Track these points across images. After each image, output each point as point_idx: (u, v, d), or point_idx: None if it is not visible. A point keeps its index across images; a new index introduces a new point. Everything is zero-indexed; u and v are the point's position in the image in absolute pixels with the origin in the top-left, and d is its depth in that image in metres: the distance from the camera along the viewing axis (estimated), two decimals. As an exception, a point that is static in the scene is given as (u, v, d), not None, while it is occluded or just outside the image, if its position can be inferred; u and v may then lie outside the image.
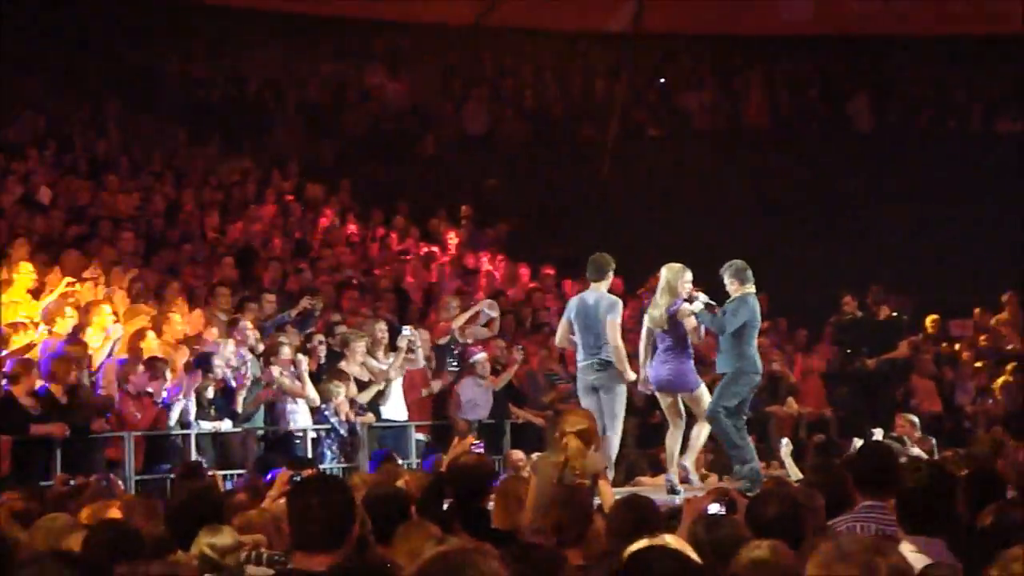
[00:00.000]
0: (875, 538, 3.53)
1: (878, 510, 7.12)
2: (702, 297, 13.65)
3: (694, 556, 5.57)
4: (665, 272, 13.65)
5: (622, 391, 13.55)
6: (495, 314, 18.65)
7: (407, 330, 16.62)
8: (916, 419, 16.36)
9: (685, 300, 13.47)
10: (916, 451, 14.98)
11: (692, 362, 13.77)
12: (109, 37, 26.55)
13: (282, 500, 8.43)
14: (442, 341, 17.61)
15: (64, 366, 13.80)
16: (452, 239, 23.60)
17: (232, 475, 14.16)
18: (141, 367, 14.47)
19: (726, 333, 13.64)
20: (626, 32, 30.26)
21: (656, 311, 13.49)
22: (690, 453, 13.77)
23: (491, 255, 23.21)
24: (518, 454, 15.33)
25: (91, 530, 6.65)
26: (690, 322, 13.42)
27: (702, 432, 13.76)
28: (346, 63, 29.55)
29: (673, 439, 13.68)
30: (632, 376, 13.61)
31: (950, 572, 5.47)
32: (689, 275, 13.63)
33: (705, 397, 13.68)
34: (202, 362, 14.97)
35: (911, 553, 5.80)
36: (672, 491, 13.23)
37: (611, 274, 13.80)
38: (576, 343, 13.70)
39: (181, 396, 14.48)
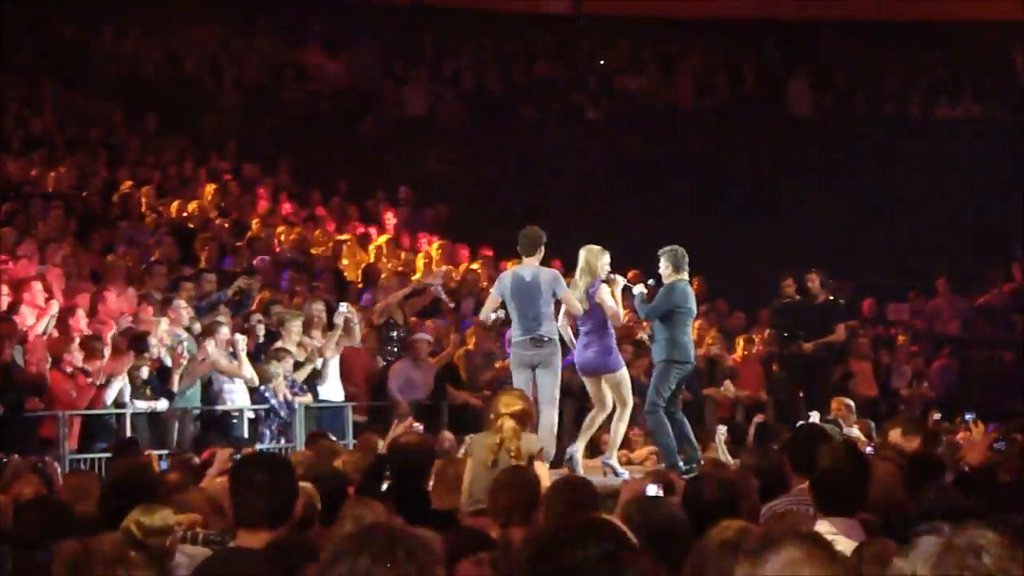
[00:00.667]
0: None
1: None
2: (620, 280, 13.62)
3: (632, 540, 5.55)
4: (584, 253, 13.51)
5: (558, 369, 13.28)
6: (439, 283, 18.67)
7: (343, 307, 16.55)
8: (851, 403, 16.43)
9: (603, 282, 13.40)
10: (855, 433, 15.05)
11: (614, 343, 13.60)
12: (43, 13, 26.28)
13: (220, 480, 8.39)
14: (379, 321, 17.57)
15: (-6, 343, 13.68)
16: (390, 219, 23.54)
17: (167, 455, 14.05)
18: (75, 345, 14.34)
19: (654, 320, 13.75)
20: (566, 14, 30.26)
21: (575, 292, 13.36)
22: (582, 437, 13.67)
23: (429, 237, 23.15)
24: (448, 435, 15.30)
25: (21, 506, 6.58)
26: (609, 306, 13.34)
27: (597, 417, 13.61)
28: (283, 41, 29.37)
29: (614, 421, 13.51)
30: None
31: (884, 548, 5.48)
32: (607, 257, 13.51)
33: (626, 381, 13.55)
34: (136, 341, 14.85)
35: (829, 534, 5.82)
36: (615, 473, 13.21)
37: (543, 248, 13.41)
38: (512, 319, 13.31)
39: (116, 376, 14.37)
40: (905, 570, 3.14)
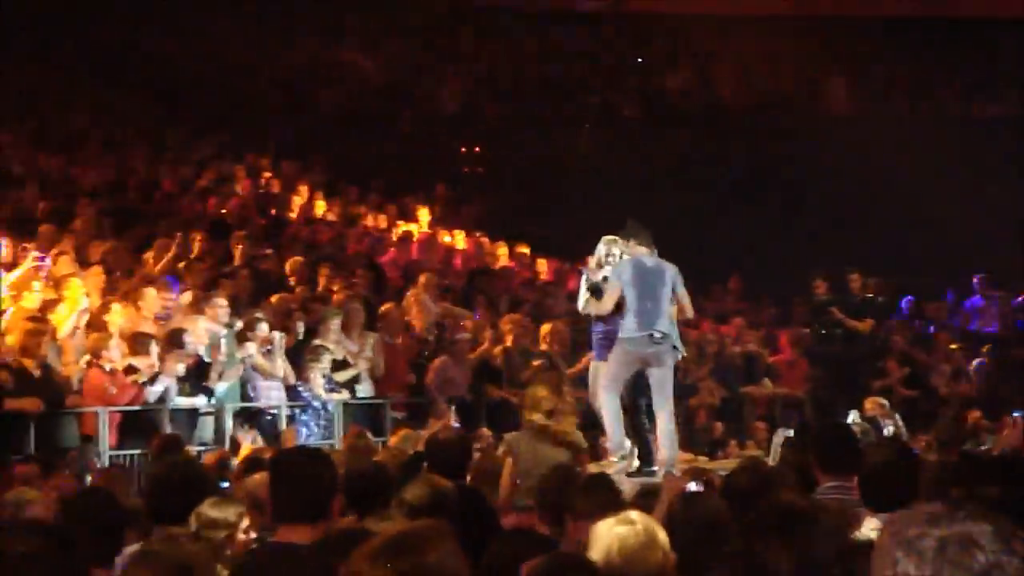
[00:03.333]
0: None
1: (841, 490, 7.13)
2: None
3: (662, 535, 5.55)
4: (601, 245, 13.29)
5: (672, 367, 12.67)
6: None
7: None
8: (886, 402, 16.37)
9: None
10: (891, 431, 15.00)
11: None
12: (82, 12, 26.40)
13: (258, 476, 8.40)
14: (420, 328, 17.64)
15: (35, 340, 13.70)
16: (424, 215, 23.56)
17: (204, 451, 14.10)
18: (114, 342, 14.37)
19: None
20: (603, 12, 30.23)
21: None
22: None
23: (466, 233, 23.18)
24: (486, 432, 15.30)
25: (66, 501, 6.58)
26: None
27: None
28: (320, 40, 29.44)
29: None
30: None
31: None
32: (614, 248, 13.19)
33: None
34: (173, 338, 14.89)
35: (875, 531, 5.81)
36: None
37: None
38: (626, 310, 12.50)
39: (164, 374, 14.40)
40: (910, 571, 3.12)
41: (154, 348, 14.51)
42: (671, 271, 12.62)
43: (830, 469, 7.51)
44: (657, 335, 12.33)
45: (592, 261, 13.32)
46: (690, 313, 13.01)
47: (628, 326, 12.43)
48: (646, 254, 12.68)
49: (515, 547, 5.66)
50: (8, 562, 3.79)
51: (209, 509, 6.63)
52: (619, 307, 12.64)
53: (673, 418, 12.56)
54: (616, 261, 12.93)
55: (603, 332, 12.99)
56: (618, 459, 12.24)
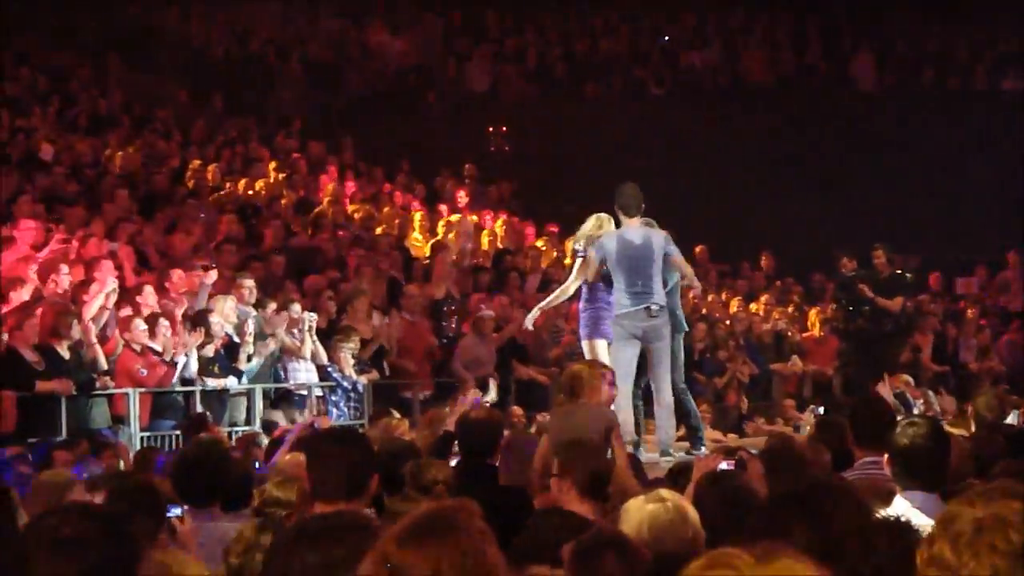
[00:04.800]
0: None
1: (876, 465, 7.12)
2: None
3: (693, 514, 5.58)
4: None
5: (669, 339, 12.46)
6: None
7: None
8: (911, 379, 16.35)
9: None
10: (920, 407, 14.98)
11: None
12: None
13: (291, 455, 8.45)
14: (438, 296, 17.64)
15: (66, 322, 13.76)
16: (462, 198, 23.56)
17: (235, 432, 14.17)
18: (140, 322, 14.41)
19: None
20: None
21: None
22: None
23: (494, 214, 23.17)
24: (518, 410, 15.32)
25: (114, 486, 6.62)
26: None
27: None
28: (347, 20, 29.45)
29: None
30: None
31: None
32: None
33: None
34: (198, 319, 14.94)
35: (907, 508, 5.82)
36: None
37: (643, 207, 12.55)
38: (615, 287, 12.30)
39: (182, 353, 14.45)
40: (945, 554, 3.13)
41: (165, 329, 14.47)
42: (659, 241, 12.32)
43: (866, 445, 7.50)
44: (654, 308, 12.17)
45: (581, 238, 13.11)
46: (688, 272, 12.72)
47: (622, 303, 12.26)
48: (634, 225, 12.40)
49: (551, 526, 5.66)
50: (61, 547, 3.80)
51: (274, 489, 6.74)
52: (608, 284, 12.49)
53: (671, 392, 12.37)
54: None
55: (588, 311, 12.84)
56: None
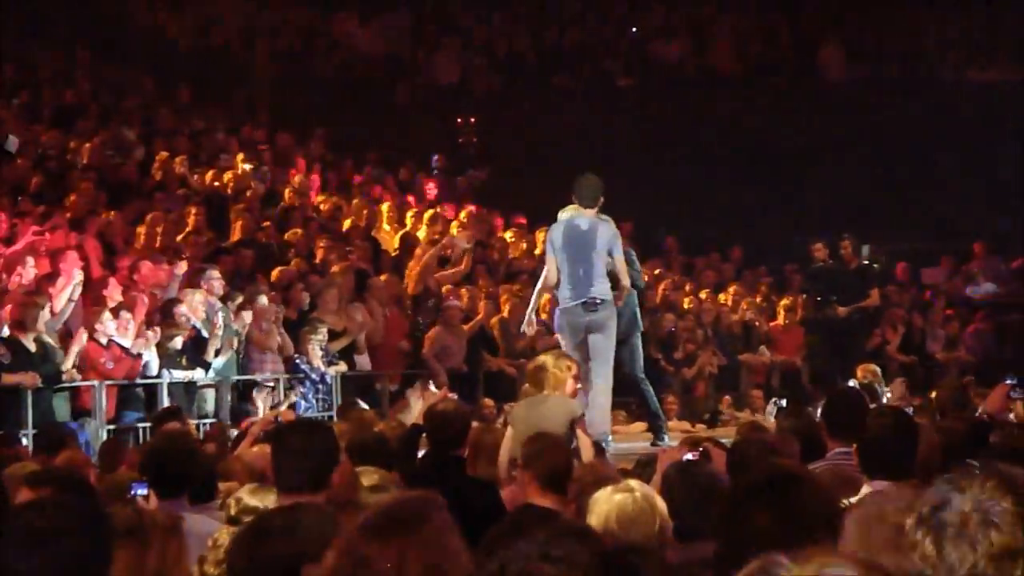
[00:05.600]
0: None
1: (847, 456, 7.15)
2: None
3: (661, 504, 5.60)
4: None
5: (614, 333, 12.23)
6: (467, 245, 18.51)
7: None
8: (878, 369, 16.38)
9: None
10: (889, 397, 15.01)
11: None
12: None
13: (257, 448, 8.43)
14: (416, 290, 17.59)
15: (32, 314, 13.70)
16: (431, 189, 23.56)
17: (203, 424, 14.14)
18: (106, 315, 14.35)
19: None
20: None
21: None
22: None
23: (458, 205, 23.15)
24: (488, 402, 15.30)
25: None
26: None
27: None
28: (316, 10, 29.39)
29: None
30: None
31: None
32: None
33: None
34: (166, 311, 14.89)
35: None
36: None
37: (601, 199, 12.32)
38: (559, 279, 12.11)
39: (144, 348, 14.41)
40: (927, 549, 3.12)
41: (129, 322, 14.42)
42: (606, 232, 12.07)
43: (838, 435, 7.54)
44: (592, 300, 11.90)
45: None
46: (625, 280, 12.21)
47: (563, 295, 12.07)
48: (588, 215, 12.14)
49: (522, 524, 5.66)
50: (37, 539, 3.81)
51: (248, 497, 6.63)
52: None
53: (609, 391, 12.14)
54: None
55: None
56: None
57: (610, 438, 12.22)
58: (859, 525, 3.51)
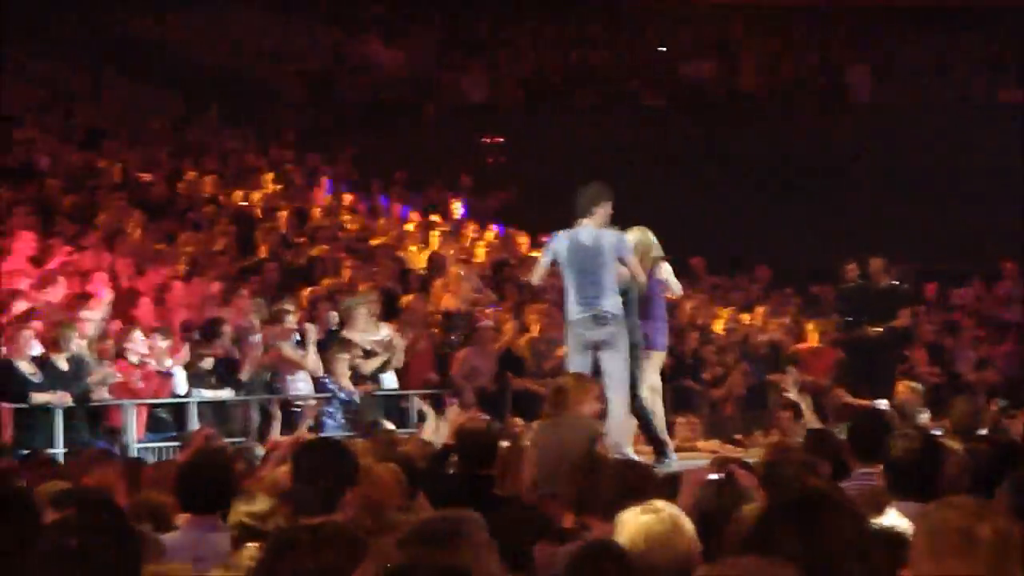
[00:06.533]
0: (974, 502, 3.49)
1: (871, 477, 7.13)
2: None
3: (688, 523, 5.58)
4: (638, 233, 12.54)
5: (626, 347, 11.73)
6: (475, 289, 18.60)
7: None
8: (919, 386, 16.28)
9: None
10: (923, 418, 14.90)
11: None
12: (108, 7, 26.50)
13: (283, 468, 8.43)
14: (452, 308, 17.62)
15: (64, 334, 13.75)
16: (458, 209, 23.58)
17: (232, 444, 14.14)
18: (138, 334, 14.40)
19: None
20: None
21: None
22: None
23: (483, 225, 23.16)
24: (518, 421, 15.28)
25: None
26: (673, 282, 12.91)
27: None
28: (343, 32, 29.50)
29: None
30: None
31: None
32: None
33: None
34: (209, 330, 14.95)
35: (900, 519, 5.83)
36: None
37: (606, 208, 11.83)
38: (567, 291, 11.74)
39: (177, 364, 14.46)
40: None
41: (165, 341, 14.48)
42: (610, 242, 11.66)
43: (862, 456, 7.51)
44: (603, 315, 11.55)
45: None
46: (640, 277, 11.82)
47: (571, 308, 11.68)
48: (589, 226, 11.70)
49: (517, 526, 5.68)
50: (67, 557, 3.83)
51: (248, 506, 6.62)
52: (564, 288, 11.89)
53: (625, 407, 11.76)
54: None
55: None
56: None
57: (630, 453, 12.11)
58: (926, 536, 3.51)
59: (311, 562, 4.21)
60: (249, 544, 6.00)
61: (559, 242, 11.82)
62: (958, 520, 3.42)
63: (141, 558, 4.03)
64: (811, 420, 13.52)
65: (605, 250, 11.61)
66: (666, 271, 12.76)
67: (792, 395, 14.55)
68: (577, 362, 11.60)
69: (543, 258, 12.03)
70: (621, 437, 11.81)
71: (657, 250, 12.76)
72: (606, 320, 11.57)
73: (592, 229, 11.71)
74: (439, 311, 17.73)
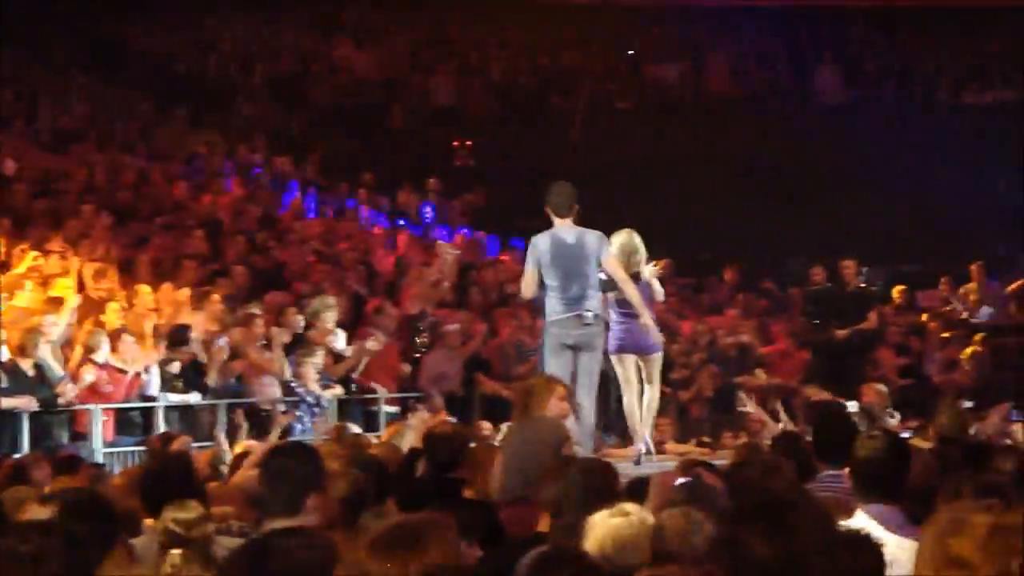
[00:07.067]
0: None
1: (837, 479, 7.14)
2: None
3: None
4: (625, 236, 12.61)
5: (601, 352, 11.81)
6: (455, 252, 18.53)
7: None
8: (884, 388, 16.33)
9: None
10: (890, 421, 14.96)
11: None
12: (74, 9, 26.40)
13: (251, 473, 8.43)
14: (414, 311, 17.57)
15: (30, 339, 13.72)
16: (428, 213, 23.58)
17: (199, 448, 14.10)
18: (103, 337, 14.38)
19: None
20: (594, 3, 30.22)
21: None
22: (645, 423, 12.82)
23: (453, 229, 23.17)
24: (486, 425, 15.28)
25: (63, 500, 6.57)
26: (657, 285, 12.99)
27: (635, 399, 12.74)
28: (312, 34, 29.46)
29: (632, 405, 12.74)
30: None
31: None
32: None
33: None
34: (176, 335, 14.92)
35: (868, 522, 5.84)
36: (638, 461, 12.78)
37: (577, 206, 11.81)
38: (547, 292, 11.64)
39: (147, 367, 14.44)
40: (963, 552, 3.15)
41: (129, 345, 14.45)
42: (593, 241, 11.65)
43: (827, 459, 7.53)
44: (587, 316, 11.50)
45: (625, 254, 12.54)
46: (621, 277, 11.85)
47: (554, 308, 11.59)
48: (568, 225, 11.69)
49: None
50: (21, 562, 3.82)
51: (179, 512, 6.53)
52: (542, 287, 11.77)
53: (594, 412, 11.75)
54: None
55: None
56: None
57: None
58: (936, 540, 3.52)
59: (285, 567, 4.20)
60: (172, 551, 5.99)
61: (540, 244, 11.71)
62: (983, 517, 3.44)
63: (93, 564, 4.01)
64: (776, 427, 13.61)
65: (589, 250, 11.59)
66: (650, 274, 12.78)
67: (750, 408, 14.65)
68: (553, 364, 11.53)
69: (528, 267, 11.79)
70: (591, 438, 11.85)
71: (641, 253, 12.79)
72: (587, 321, 11.53)
73: (574, 228, 11.68)
74: (404, 315, 17.69)
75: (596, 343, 11.66)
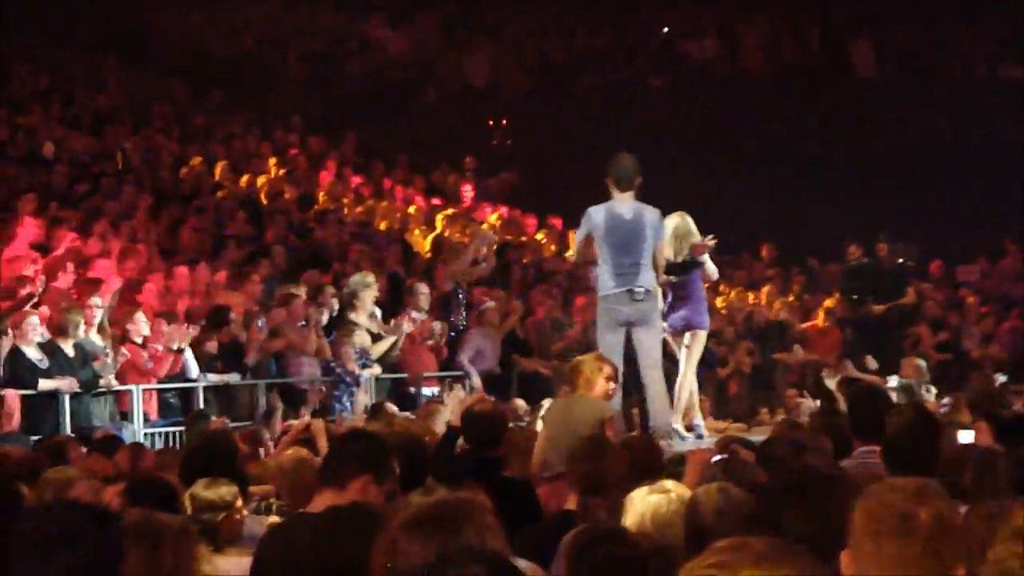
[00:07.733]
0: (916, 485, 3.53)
1: (872, 455, 7.15)
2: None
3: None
4: (677, 219, 12.80)
5: (659, 327, 11.75)
6: (493, 238, 18.58)
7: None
8: (923, 363, 16.32)
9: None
10: (928, 395, 14.94)
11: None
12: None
13: (291, 451, 8.47)
14: (448, 288, 17.59)
15: (71, 320, 13.80)
16: (468, 192, 23.59)
17: (238, 427, 14.17)
18: (141, 315, 14.46)
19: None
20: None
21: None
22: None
23: (492, 207, 23.18)
24: (521, 404, 15.30)
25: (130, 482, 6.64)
26: (710, 263, 13.08)
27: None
28: (346, 14, 29.48)
29: (683, 383, 12.76)
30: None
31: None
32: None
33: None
34: (216, 315, 14.99)
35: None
36: (680, 437, 12.75)
37: (639, 180, 11.72)
38: (601, 266, 11.59)
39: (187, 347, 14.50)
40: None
41: (170, 326, 14.53)
42: (652, 219, 11.62)
43: (863, 435, 7.52)
44: (639, 292, 11.41)
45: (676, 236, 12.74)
46: (660, 262, 11.75)
47: (606, 283, 11.53)
48: (628, 201, 11.68)
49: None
50: (48, 543, 3.82)
51: (202, 490, 6.60)
52: (595, 262, 11.76)
53: (663, 382, 11.70)
54: None
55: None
56: None
57: (679, 429, 12.15)
58: (865, 517, 3.56)
59: (330, 539, 4.23)
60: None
61: (594, 216, 11.65)
62: (898, 503, 3.49)
63: (123, 547, 4.02)
64: (813, 404, 13.62)
65: (647, 228, 11.54)
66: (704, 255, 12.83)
67: (832, 385, 14.65)
68: (608, 339, 11.49)
69: (580, 233, 11.85)
70: (666, 411, 11.79)
71: (695, 236, 12.83)
72: (641, 296, 11.45)
73: (633, 203, 11.64)
74: (439, 293, 17.70)
75: (651, 318, 11.59)
